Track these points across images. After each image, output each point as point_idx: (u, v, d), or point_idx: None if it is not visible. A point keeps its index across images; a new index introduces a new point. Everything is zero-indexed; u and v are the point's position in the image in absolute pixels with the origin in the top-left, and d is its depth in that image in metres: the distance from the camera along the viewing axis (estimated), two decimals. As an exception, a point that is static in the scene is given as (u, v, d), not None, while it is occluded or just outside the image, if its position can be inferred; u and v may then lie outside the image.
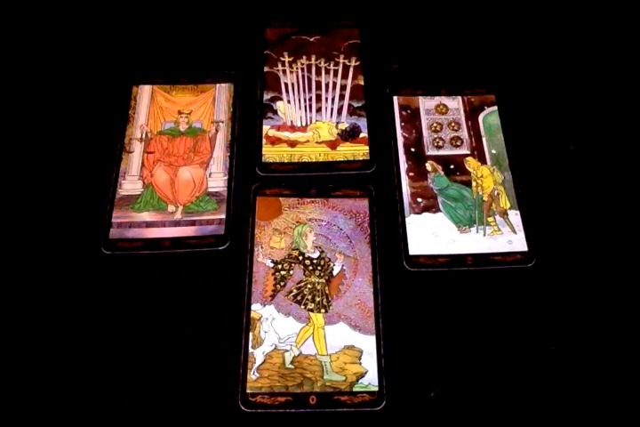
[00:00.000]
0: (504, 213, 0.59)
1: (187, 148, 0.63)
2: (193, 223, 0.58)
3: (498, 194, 0.60)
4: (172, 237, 0.57)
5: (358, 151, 0.62)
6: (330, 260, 0.56)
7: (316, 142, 0.63)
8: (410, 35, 0.58)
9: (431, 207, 0.60)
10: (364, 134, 0.63)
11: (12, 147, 0.62)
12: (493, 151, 0.63)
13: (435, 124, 0.64)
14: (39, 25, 0.70)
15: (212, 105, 0.66)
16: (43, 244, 0.57)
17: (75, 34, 0.68)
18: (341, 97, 0.66)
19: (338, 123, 0.64)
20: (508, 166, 0.62)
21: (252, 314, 0.53)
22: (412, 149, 0.63)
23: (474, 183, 0.61)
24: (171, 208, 0.59)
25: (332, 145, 0.63)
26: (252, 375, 0.51)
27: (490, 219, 0.59)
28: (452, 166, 0.62)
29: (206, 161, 0.62)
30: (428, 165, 0.62)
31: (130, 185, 0.60)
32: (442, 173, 0.62)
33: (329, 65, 0.67)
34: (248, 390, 0.50)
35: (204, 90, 0.67)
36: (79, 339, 0.53)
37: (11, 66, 0.67)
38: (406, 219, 0.59)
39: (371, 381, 0.51)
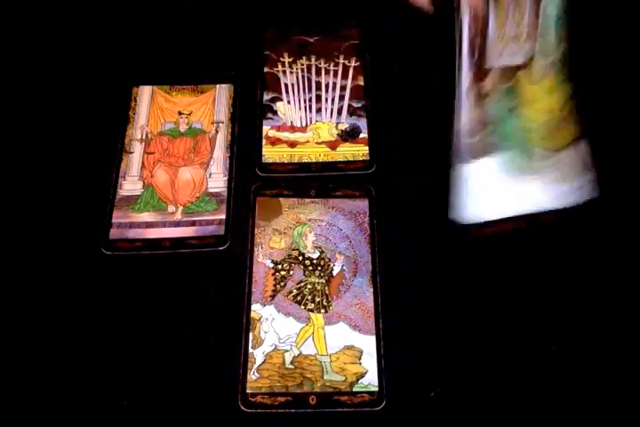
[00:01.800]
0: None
1: (187, 148, 0.63)
2: (193, 224, 0.59)
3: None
4: (172, 237, 0.58)
5: (358, 152, 0.63)
6: (330, 260, 0.56)
7: (316, 143, 0.63)
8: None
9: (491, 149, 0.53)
10: (364, 135, 0.64)
11: (11, 147, 0.62)
12: (556, 55, 0.52)
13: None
14: (38, 25, 0.70)
15: (211, 106, 0.66)
16: (43, 244, 0.57)
17: (74, 35, 0.68)
18: (341, 97, 0.66)
19: (338, 123, 0.64)
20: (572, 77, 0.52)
21: (252, 314, 0.53)
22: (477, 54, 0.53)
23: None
24: (171, 208, 0.59)
25: (332, 145, 0.63)
26: (252, 375, 0.51)
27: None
28: (508, 84, 0.53)
29: (206, 161, 0.62)
30: (490, 81, 0.53)
31: (130, 185, 0.61)
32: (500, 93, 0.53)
33: (329, 65, 0.67)
34: (248, 390, 0.50)
35: (203, 90, 0.67)
36: (79, 339, 0.53)
37: (10, 66, 0.67)
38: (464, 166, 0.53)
39: (371, 381, 0.51)
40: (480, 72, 0.53)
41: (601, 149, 0.54)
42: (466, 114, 0.53)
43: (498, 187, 0.53)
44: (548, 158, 0.53)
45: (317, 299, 0.54)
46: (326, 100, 0.66)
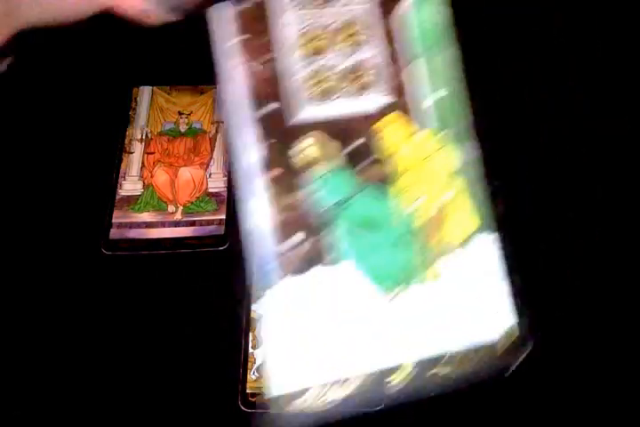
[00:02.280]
0: (464, 243, 0.32)
1: (187, 148, 0.63)
2: (193, 224, 0.58)
3: (454, 199, 0.32)
4: (172, 237, 0.57)
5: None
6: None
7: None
8: None
9: (327, 252, 0.32)
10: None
11: (12, 147, 0.62)
12: (440, 94, 0.33)
13: (310, 35, 0.33)
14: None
15: (211, 106, 0.66)
16: (43, 244, 0.57)
17: (75, 35, 0.68)
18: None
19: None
20: (472, 126, 0.32)
21: (252, 314, 0.53)
22: (270, 108, 0.33)
23: (405, 177, 0.32)
24: (171, 209, 0.59)
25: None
26: (252, 375, 0.51)
27: (442, 261, 0.32)
28: (357, 142, 0.32)
29: (206, 162, 0.62)
30: (309, 144, 0.31)
31: (130, 185, 0.61)
32: (338, 161, 0.31)
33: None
34: (248, 390, 0.50)
35: (203, 91, 0.67)
36: (79, 339, 0.53)
37: (11, 65, 0.66)
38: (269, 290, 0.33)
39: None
40: (279, 133, 0.32)
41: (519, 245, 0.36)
42: (264, 207, 0.32)
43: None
44: (432, 265, 0.33)
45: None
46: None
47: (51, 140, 0.63)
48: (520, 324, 0.35)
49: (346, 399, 0.34)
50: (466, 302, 0.34)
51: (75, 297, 0.54)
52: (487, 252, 0.35)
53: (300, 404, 0.33)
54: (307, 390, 0.33)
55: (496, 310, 0.35)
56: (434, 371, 0.34)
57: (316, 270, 0.33)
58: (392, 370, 0.33)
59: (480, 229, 0.34)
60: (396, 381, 0.34)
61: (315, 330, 0.33)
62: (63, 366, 0.51)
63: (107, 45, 0.68)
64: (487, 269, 0.35)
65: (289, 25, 0.33)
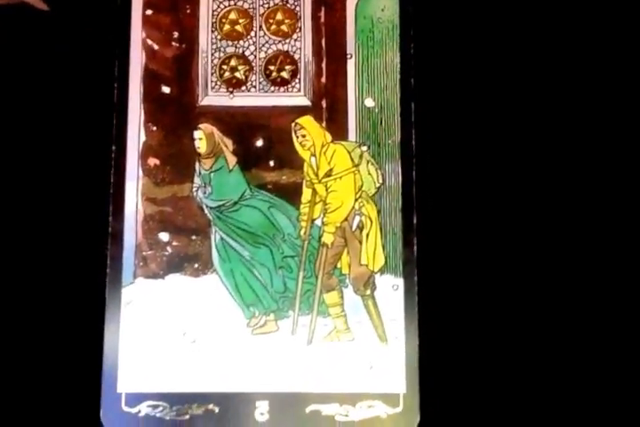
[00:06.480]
0: (365, 284, 0.29)
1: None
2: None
3: (361, 227, 0.29)
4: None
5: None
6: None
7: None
8: None
9: (194, 259, 0.30)
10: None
11: (11, 146, 0.63)
12: (368, 103, 0.29)
13: (227, 17, 0.31)
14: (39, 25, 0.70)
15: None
16: (42, 244, 0.56)
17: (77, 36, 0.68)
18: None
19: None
20: (399, 147, 0.29)
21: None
22: (165, 90, 0.32)
23: (307, 193, 0.29)
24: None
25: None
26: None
27: (331, 296, 0.29)
28: (258, 142, 0.30)
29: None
30: (199, 136, 0.30)
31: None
32: (231, 159, 0.30)
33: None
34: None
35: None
36: (80, 339, 0.52)
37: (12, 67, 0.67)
38: (124, 289, 0.33)
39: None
40: (165, 120, 0.31)
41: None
42: (132, 197, 0.33)
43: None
44: (315, 300, 0.29)
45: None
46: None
47: (51, 140, 0.62)
48: (407, 395, 0.28)
49: (205, 416, 0.30)
50: (344, 351, 0.29)
51: (75, 296, 0.54)
52: (386, 298, 0.29)
53: (151, 410, 0.31)
54: (157, 396, 0.31)
55: (381, 371, 0.29)
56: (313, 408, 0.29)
57: (174, 279, 0.30)
58: (255, 396, 0.29)
59: (382, 271, 0.29)
60: (264, 409, 0.29)
61: (166, 340, 0.31)
62: (63, 366, 0.51)
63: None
64: (381, 319, 0.29)
65: (203, 4, 0.30)
